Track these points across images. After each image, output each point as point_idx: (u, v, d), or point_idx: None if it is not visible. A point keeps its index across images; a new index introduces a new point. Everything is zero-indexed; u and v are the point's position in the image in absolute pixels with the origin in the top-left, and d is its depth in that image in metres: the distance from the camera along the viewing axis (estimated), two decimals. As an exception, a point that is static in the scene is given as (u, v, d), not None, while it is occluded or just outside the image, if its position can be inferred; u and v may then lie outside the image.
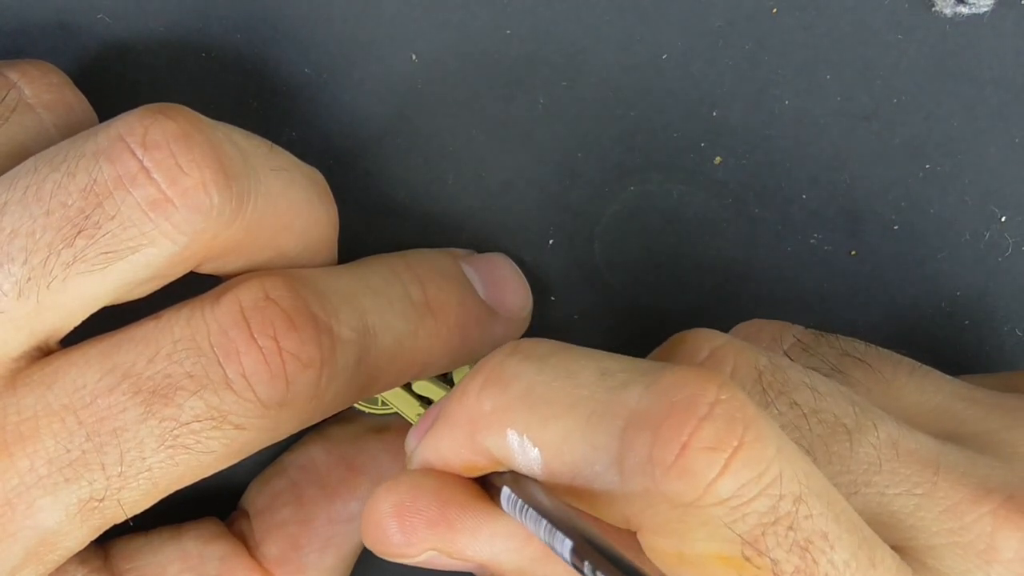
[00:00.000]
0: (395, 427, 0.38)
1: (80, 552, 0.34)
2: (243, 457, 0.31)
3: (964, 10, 0.34)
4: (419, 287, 0.33)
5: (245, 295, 0.30)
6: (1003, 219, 0.36)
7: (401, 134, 0.35)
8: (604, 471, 0.26)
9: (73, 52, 0.35)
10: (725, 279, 0.37)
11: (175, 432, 0.30)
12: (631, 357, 0.28)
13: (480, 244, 0.37)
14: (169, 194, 0.29)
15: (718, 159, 0.36)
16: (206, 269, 0.32)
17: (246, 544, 0.36)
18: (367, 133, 0.35)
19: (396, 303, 0.33)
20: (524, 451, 0.28)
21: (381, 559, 0.30)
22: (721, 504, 0.26)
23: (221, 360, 0.30)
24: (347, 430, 0.38)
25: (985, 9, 0.34)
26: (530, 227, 0.36)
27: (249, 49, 0.35)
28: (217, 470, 0.31)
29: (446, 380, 0.37)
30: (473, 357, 0.35)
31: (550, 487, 0.27)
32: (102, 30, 0.35)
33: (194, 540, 0.36)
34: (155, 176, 0.29)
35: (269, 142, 0.32)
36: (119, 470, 0.30)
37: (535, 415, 0.28)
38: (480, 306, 0.35)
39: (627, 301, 0.37)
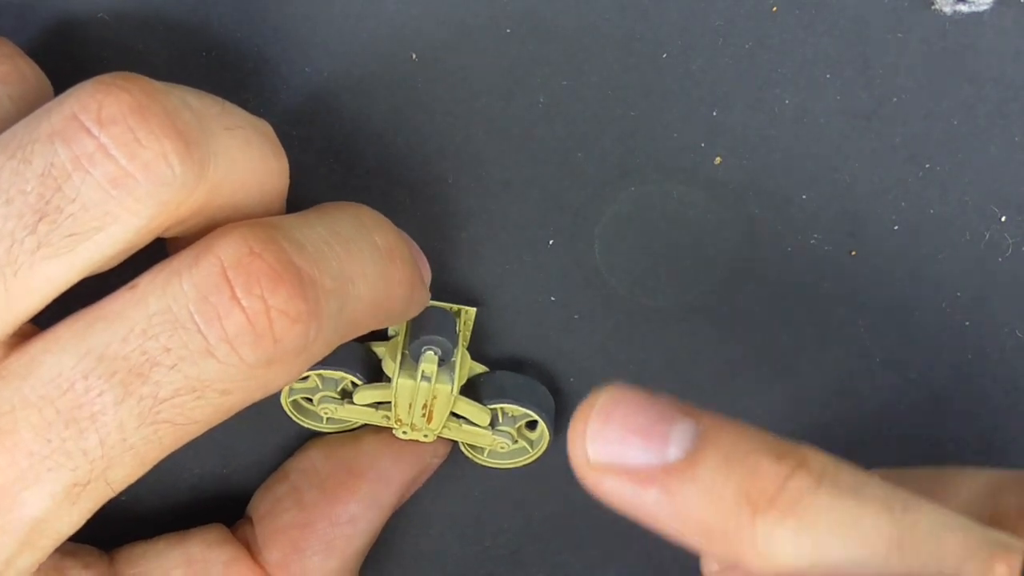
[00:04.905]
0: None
1: (85, 558, 0.34)
2: (232, 414, 0.31)
3: (964, 8, 0.34)
4: (381, 234, 0.33)
5: (227, 252, 0.29)
6: (1003, 219, 0.36)
7: (401, 134, 0.35)
8: None
9: (73, 51, 0.35)
10: (725, 279, 0.37)
11: (156, 409, 0.29)
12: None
13: (480, 244, 0.37)
14: (130, 169, 0.28)
15: (718, 159, 0.36)
16: (170, 234, 0.31)
17: (249, 549, 0.36)
18: (367, 133, 0.35)
19: (366, 250, 0.32)
20: None
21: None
22: None
23: (202, 328, 0.29)
24: (346, 433, 0.38)
25: (985, 7, 0.34)
26: (530, 227, 0.36)
27: (249, 49, 0.35)
28: (206, 430, 0.30)
29: (386, 337, 0.37)
30: (407, 315, 0.35)
31: None
32: (102, 30, 0.35)
33: (198, 545, 0.35)
34: (114, 153, 0.28)
35: (221, 100, 0.31)
36: (101, 453, 0.29)
37: None
38: (415, 264, 0.34)
39: (627, 301, 0.37)
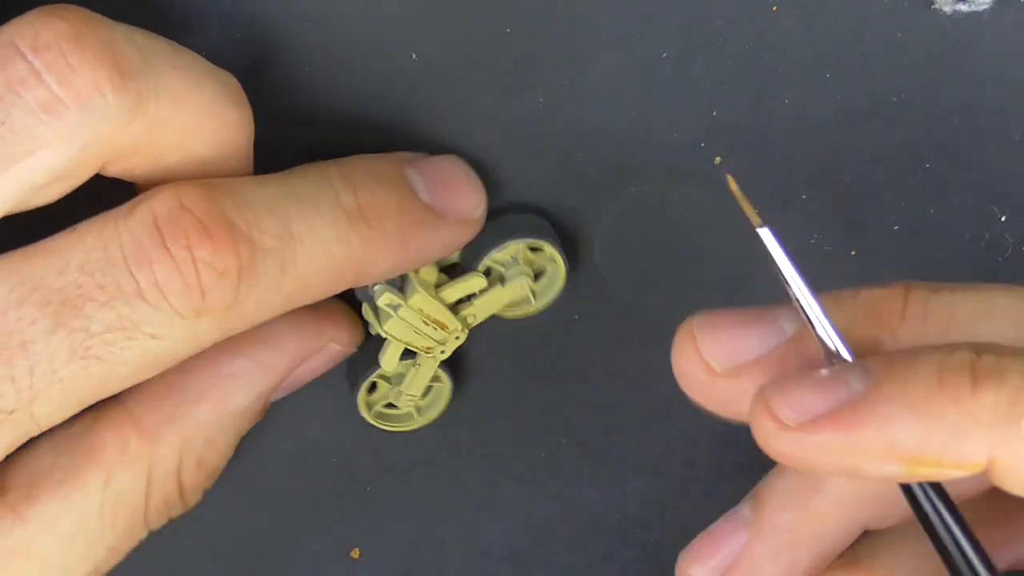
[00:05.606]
0: None
1: None
2: (164, 368, 0.31)
3: (963, 8, 0.34)
4: (351, 193, 0.33)
5: (159, 205, 0.30)
6: (1003, 219, 0.36)
7: (401, 134, 0.35)
8: None
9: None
10: (725, 279, 0.37)
11: (86, 343, 0.30)
12: None
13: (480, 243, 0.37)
14: (61, 95, 0.29)
15: (718, 159, 0.36)
16: (112, 172, 0.31)
17: (120, 403, 0.34)
18: (367, 133, 0.35)
19: (325, 210, 0.32)
20: None
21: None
22: None
23: (133, 270, 0.30)
24: None
25: (985, 7, 0.34)
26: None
27: (249, 49, 0.35)
28: (137, 381, 0.31)
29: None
30: (418, 262, 0.34)
31: None
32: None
33: (62, 427, 0.33)
34: (45, 78, 0.29)
35: (176, 43, 0.31)
36: (29, 382, 0.30)
37: None
38: (421, 210, 0.34)
39: (627, 301, 0.37)
